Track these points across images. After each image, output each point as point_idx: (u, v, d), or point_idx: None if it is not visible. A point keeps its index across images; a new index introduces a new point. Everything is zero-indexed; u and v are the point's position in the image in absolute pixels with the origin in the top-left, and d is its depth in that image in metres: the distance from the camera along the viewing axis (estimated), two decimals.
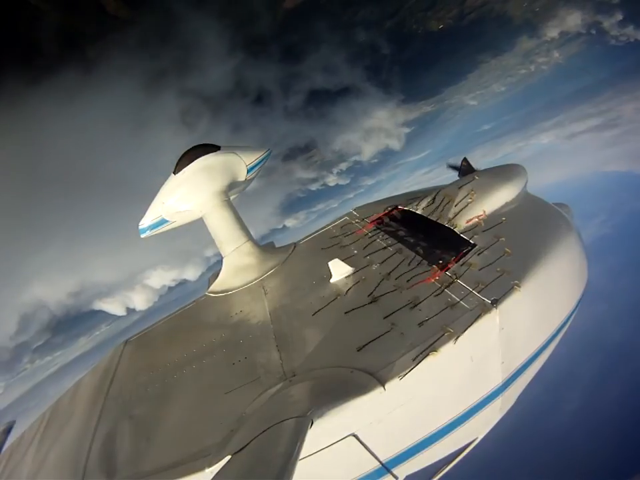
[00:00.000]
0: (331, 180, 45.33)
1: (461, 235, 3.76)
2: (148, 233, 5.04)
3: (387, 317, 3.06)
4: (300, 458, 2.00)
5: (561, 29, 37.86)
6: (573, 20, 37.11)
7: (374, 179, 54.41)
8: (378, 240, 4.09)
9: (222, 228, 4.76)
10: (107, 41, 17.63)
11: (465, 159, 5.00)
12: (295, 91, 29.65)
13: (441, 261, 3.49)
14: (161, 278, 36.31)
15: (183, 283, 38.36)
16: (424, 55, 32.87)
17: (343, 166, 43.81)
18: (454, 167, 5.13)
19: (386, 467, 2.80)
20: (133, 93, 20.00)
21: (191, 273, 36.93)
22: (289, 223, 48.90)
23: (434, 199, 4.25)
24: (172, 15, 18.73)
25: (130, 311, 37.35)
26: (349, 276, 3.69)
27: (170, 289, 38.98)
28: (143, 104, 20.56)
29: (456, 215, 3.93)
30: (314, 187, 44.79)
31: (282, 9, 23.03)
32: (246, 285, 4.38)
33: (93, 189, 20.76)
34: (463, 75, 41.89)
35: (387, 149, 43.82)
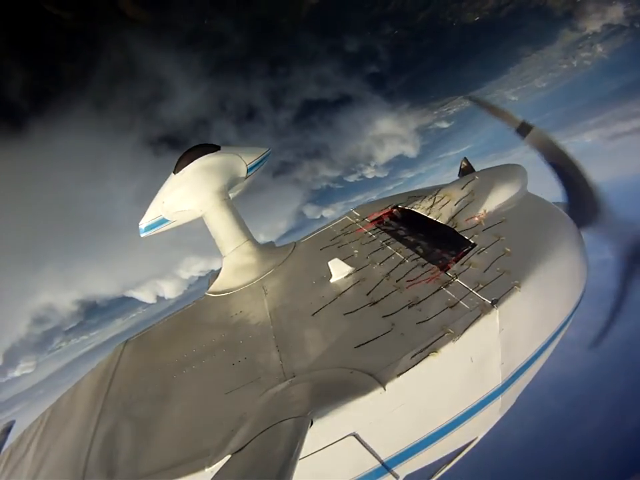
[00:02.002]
0: (369, 172, 44.47)
1: (461, 235, 3.73)
2: (148, 233, 5.11)
3: (387, 317, 3.06)
4: (300, 457, 2.01)
5: (604, 21, 35.40)
6: (616, 12, 34.65)
7: (413, 172, 53.94)
8: (378, 239, 4.08)
9: (222, 227, 4.80)
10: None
11: (465, 159, 5.03)
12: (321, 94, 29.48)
13: (441, 261, 3.49)
14: (188, 270, 37.16)
15: (211, 273, 38.86)
16: (461, 48, 31.60)
17: (382, 158, 43.17)
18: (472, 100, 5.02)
19: (386, 466, 2.81)
20: (110, 128, 19.54)
21: (218, 264, 37.40)
22: (327, 213, 48.42)
23: (434, 198, 4.22)
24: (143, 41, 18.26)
25: (160, 299, 38.48)
26: (348, 276, 3.68)
27: (200, 278, 39.85)
28: (118, 138, 20.04)
29: (456, 215, 3.91)
30: (351, 178, 44.10)
31: (307, 4, 22.46)
32: (246, 284, 4.38)
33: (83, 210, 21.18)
34: (503, 69, 40.16)
35: (426, 144, 43.33)
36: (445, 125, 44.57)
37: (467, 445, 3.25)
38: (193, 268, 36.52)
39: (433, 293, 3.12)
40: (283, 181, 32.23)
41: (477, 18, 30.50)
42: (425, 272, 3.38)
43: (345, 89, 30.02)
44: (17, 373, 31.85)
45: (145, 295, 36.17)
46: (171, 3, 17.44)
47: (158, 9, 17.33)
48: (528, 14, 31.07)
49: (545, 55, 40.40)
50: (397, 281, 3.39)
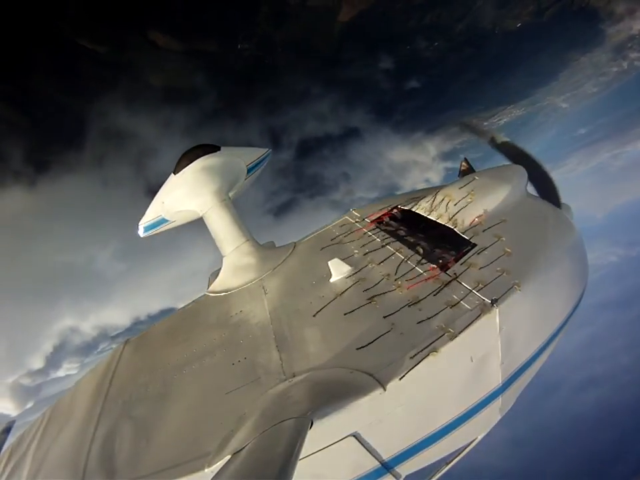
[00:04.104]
0: (421, 187, 44.43)
1: (461, 235, 3.74)
2: (147, 233, 5.13)
3: (387, 317, 3.05)
4: (300, 458, 2.01)
5: None
6: None
7: None
8: (378, 239, 4.07)
9: (221, 228, 4.80)
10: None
11: (465, 159, 5.05)
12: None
13: (440, 261, 3.49)
14: None
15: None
16: (506, 56, 30.70)
17: (434, 172, 43.01)
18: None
19: (386, 467, 2.80)
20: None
21: None
22: None
23: (434, 198, 4.21)
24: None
25: None
26: (348, 276, 3.67)
27: None
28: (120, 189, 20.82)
29: (456, 215, 3.90)
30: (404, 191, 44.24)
31: (338, 22, 22.04)
32: (246, 284, 4.38)
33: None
34: (552, 75, 38.89)
35: (478, 157, 42.70)
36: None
37: (467, 445, 3.24)
38: None
39: (433, 293, 3.12)
40: (320, 203, 32.58)
41: (519, 24, 29.68)
42: (425, 272, 3.38)
43: (390, 106, 30.09)
44: (60, 373, 33.46)
45: None
46: (201, 31, 18.21)
47: (188, 37, 18.34)
48: (571, 16, 29.85)
49: (594, 58, 38.69)
50: (396, 281, 3.38)
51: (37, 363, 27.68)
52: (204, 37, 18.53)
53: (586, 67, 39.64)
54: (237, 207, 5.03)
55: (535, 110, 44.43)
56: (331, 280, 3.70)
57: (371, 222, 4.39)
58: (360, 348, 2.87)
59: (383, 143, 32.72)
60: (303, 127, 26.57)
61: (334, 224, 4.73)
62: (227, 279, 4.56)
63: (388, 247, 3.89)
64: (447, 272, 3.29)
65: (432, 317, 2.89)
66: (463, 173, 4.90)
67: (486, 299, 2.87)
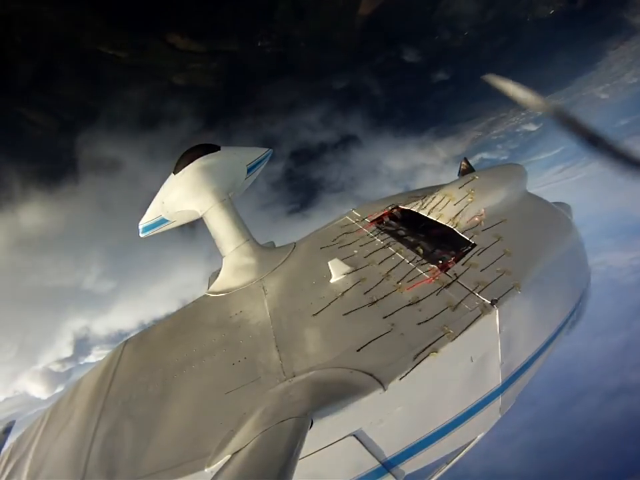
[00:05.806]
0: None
1: (461, 235, 3.72)
2: (147, 233, 5.16)
3: (387, 317, 3.05)
4: (300, 458, 2.02)
5: None
6: None
7: None
8: (378, 240, 4.06)
9: (221, 228, 4.78)
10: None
11: (465, 159, 5.03)
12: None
13: (440, 261, 3.48)
14: None
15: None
16: (540, 44, 29.44)
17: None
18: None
19: (386, 467, 2.82)
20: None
21: None
22: None
23: (434, 198, 4.19)
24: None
25: None
26: (348, 276, 3.66)
27: None
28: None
29: (456, 215, 3.88)
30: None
31: (358, 16, 21.59)
32: (246, 284, 4.36)
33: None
34: (590, 65, 37.05)
35: (515, 148, 42.32)
36: (532, 127, 42.37)
37: (466, 445, 3.26)
38: None
39: (433, 293, 3.12)
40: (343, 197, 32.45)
41: (552, 11, 28.51)
42: (425, 272, 3.37)
43: (421, 98, 29.52)
44: (91, 359, 34.35)
45: None
46: (219, 31, 18.34)
47: (207, 38, 18.46)
48: (606, 2, 28.40)
49: (633, 46, 36.68)
50: (397, 282, 3.38)
51: (65, 351, 28.60)
52: (223, 36, 18.66)
53: (625, 55, 37.82)
54: (238, 207, 5.00)
55: (573, 101, 42.56)
56: (331, 280, 3.69)
57: (371, 222, 4.37)
58: (360, 348, 2.86)
59: (416, 140, 32.45)
60: (316, 125, 26.53)
61: (334, 224, 4.70)
62: (227, 279, 4.55)
63: (388, 247, 3.87)
64: (447, 272, 3.28)
65: (432, 317, 2.89)
66: (463, 173, 4.86)
67: (486, 300, 2.87)
